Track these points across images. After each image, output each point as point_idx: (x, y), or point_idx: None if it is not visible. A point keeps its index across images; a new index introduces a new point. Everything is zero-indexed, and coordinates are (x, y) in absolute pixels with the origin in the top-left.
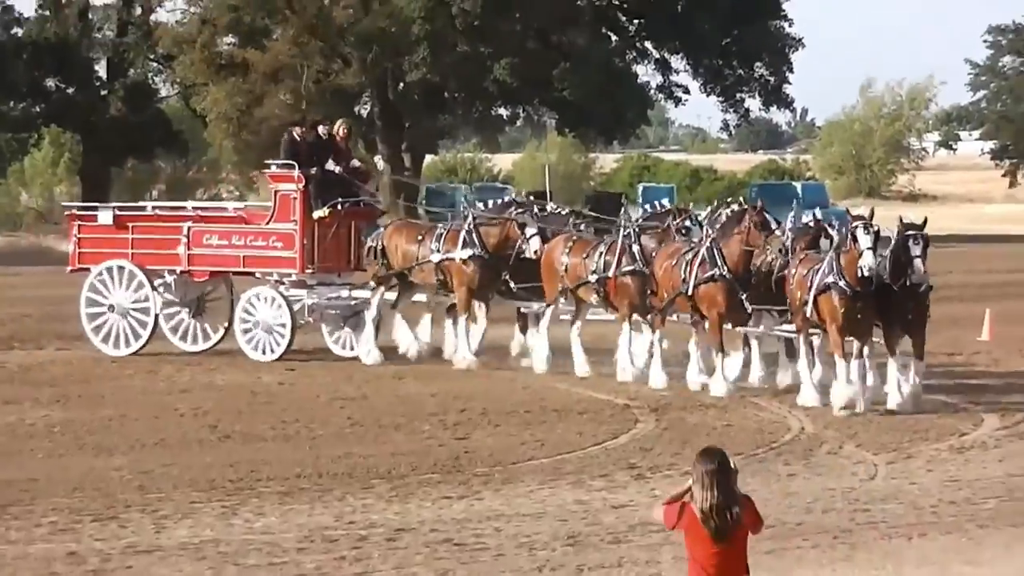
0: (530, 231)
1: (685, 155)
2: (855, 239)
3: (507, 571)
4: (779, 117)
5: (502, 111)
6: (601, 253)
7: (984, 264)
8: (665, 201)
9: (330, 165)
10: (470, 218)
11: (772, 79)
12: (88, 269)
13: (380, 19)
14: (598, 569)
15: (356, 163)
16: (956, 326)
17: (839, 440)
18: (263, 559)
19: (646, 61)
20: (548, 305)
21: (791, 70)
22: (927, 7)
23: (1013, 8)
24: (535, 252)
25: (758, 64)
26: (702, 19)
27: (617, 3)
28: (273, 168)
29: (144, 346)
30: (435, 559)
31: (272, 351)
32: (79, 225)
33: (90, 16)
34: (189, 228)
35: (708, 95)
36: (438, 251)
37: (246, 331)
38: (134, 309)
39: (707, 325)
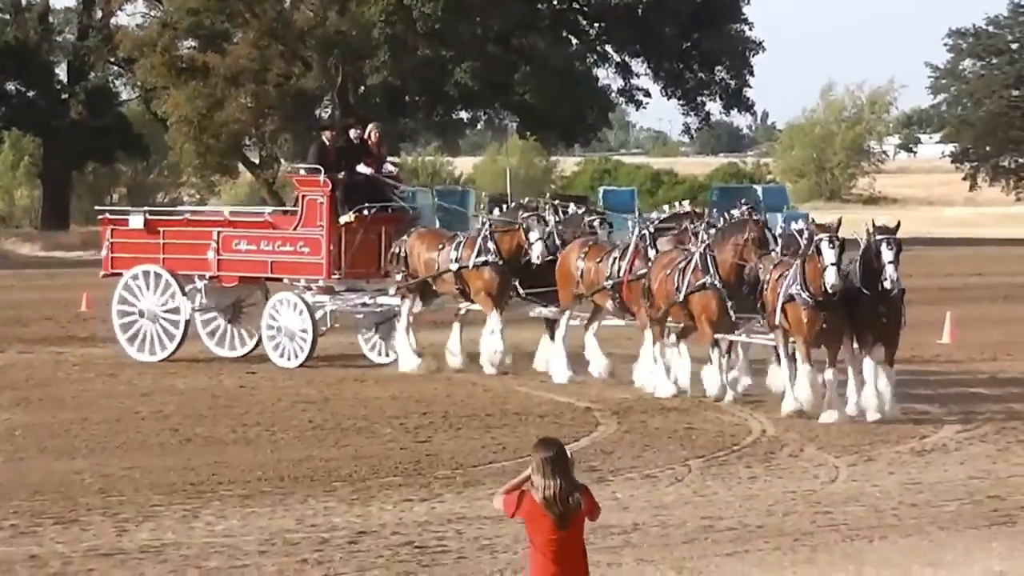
0: (533, 236)
1: (646, 158)
2: (819, 252)
3: (469, 574)
4: (740, 120)
5: (463, 114)
6: (615, 258)
7: (944, 267)
8: (686, 203)
9: (361, 169)
10: (486, 225)
11: (733, 82)
12: (120, 274)
13: (341, 23)
14: None
15: (389, 167)
16: (917, 329)
17: (800, 443)
18: (224, 562)
19: (607, 64)
20: (562, 311)
21: (752, 73)
22: (887, 11)
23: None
24: (538, 257)
25: (719, 68)
26: (662, 23)
27: (577, 7)
28: (301, 173)
29: (175, 352)
30: (397, 562)
31: (296, 357)
32: (112, 229)
33: (50, 20)
34: (219, 233)
35: (669, 98)
36: (456, 260)
37: (272, 337)
38: (164, 314)
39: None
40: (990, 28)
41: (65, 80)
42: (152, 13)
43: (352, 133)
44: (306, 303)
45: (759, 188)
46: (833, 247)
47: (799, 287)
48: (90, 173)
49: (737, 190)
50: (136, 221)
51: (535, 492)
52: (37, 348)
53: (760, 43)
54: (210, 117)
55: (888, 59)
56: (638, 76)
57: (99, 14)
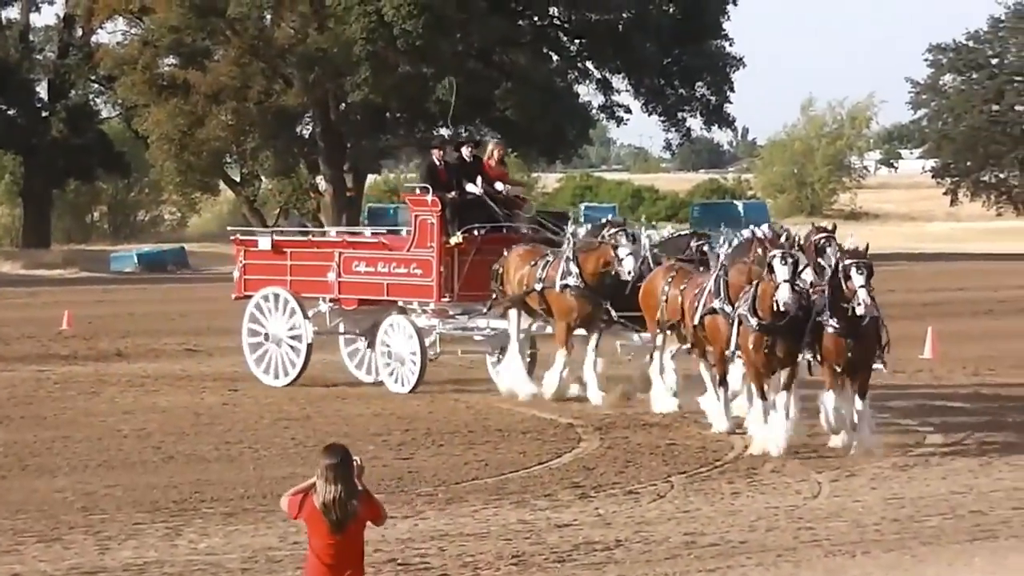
0: (622, 251)
1: (627, 174)
2: (771, 270)
3: None
4: (720, 136)
5: (443, 131)
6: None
7: (926, 282)
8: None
9: (471, 188)
10: (569, 243)
11: (713, 99)
12: (250, 296)
13: (321, 40)
14: None
15: (500, 186)
16: (898, 344)
17: (782, 458)
18: None
19: (587, 81)
20: (652, 341)
21: (732, 89)
22: (868, 26)
23: (953, 27)
24: (629, 273)
25: (699, 84)
26: (643, 39)
27: (558, 23)
28: (416, 192)
29: (298, 377)
30: None
31: (406, 383)
32: (244, 251)
33: (31, 38)
34: (340, 255)
35: (650, 115)
36: (540, 280)
37: (387, 364)
38: (289, 338)
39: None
40: (970, 43)
41: (46, 98)
42: (133, 31)
43: (465, 151)
44: (415, 327)
45: (740, 204)
46: (785, 263)
47: (747, 309)
48: (71, 191)
49: (718, 206)
50: (264, 242)
51: (316, 497)
52: (18, 366)
53: (740, 59)
54: (191, 134)
55: (868, 74)
56: (619, 92)
57: (80, 32)
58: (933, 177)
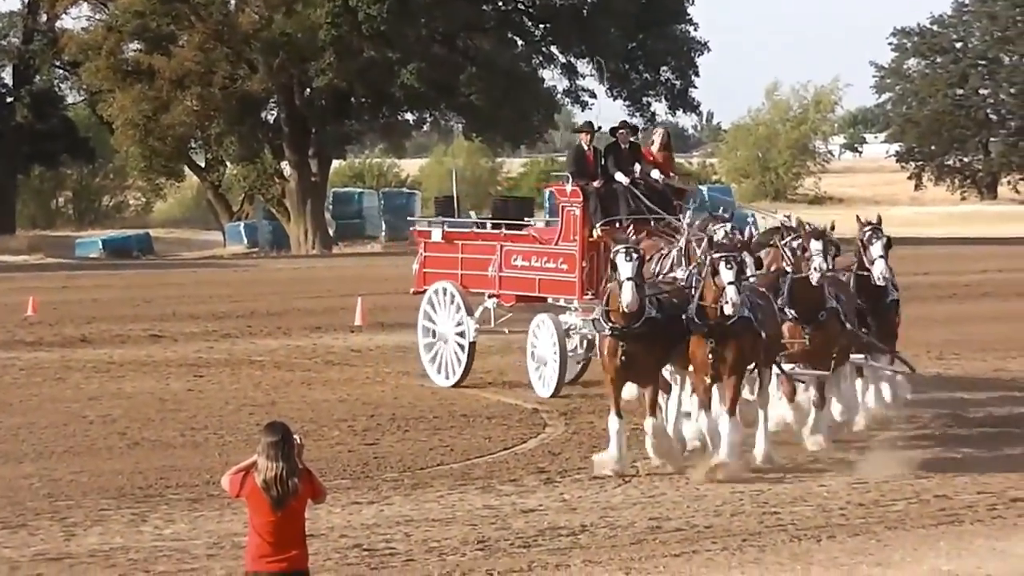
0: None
1: None
2: (715, 272)
3: None
4: (685, 121)
5: (408, 116)
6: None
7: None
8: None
9: (618, 177)
10: (684, 233)
11: (678, 83)
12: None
13: (286, 25)
14: (508, 574)
15: (657, 174)
16: None
17: (747, 444)
18: (173, 566)
19: (552, 66)
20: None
21: (697, 74)
22: (832, 10)
23: (918, 11)
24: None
25: (664, 68)
26: (608, 24)
27: (522, 8)
28: (567, 181)
29: (463, 378)
30: (345, 565)
31: (547, 384)
32: (424, 243)
33: None
34: (502, 247)
35: (614, 99)
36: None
37: (534, 366)
38: (455, 335)
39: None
40: (934, 27)
41: (10, 84)
42: (97, 16)
43: (620, 135)
44: (556, 325)
45: (704, 188)
46: (731, 267)
47: (693, 310)
48: (36, 177)
49: None
50: (436, 234)
51: (257, 474)
52: None
53: (705, 43)
54: (156, 120)
55: (833, 58)
56: (583, 77)
57: (44, 18)
58: (897, 161)
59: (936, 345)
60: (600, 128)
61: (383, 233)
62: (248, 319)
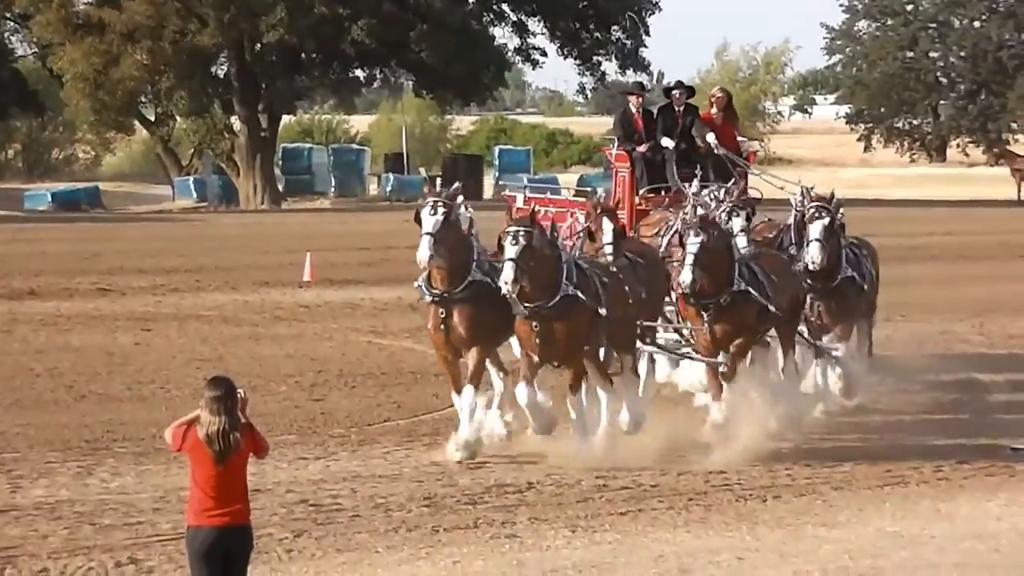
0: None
1: (542, 118)
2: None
3: (363, 532)
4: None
5: (359, 73)
6: None
7: None
8: None
9: (665, 141)
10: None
11: (629, 42)
12: None
13: None
14: (454, 530)
15: (712, 138)
16: None
17: (694, 403)
18: (119, 519)
19: (503, 23)
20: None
21: (648, 33)
22: None
23: None
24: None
25: (615, 27)
26: None
27: None
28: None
29: None
30: (291, 520)
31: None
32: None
33: None
34: (572, 215)
35: (565, 58)
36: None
37: None
38: None
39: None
40: None
41: None
42: None
43: (675, 95)
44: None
45: None
46: (516, 244)
47: None
48: None
49: None
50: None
51: (199, 428)
52: None
53: (656, 3)
54: (106, 74)
55: (783, 19)
56: (534, 35)
57: None
58: (847, 123)
59: (884, 307)
60: (652, 89)
61: (332, 189)
62: (196, 274)
